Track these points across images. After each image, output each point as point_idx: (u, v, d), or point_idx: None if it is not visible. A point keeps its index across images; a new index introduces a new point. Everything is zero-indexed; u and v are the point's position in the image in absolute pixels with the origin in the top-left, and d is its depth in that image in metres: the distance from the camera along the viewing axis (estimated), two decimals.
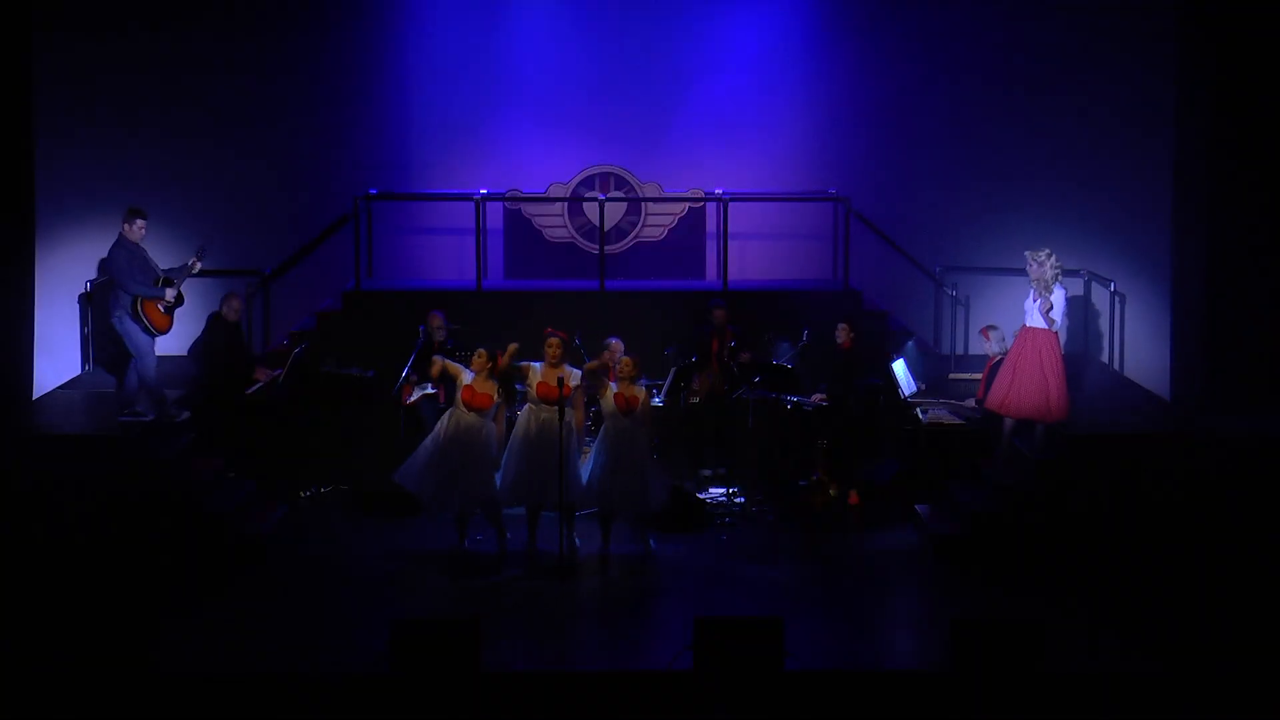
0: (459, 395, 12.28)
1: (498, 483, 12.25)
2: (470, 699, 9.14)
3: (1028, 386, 12.83)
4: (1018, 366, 12.92)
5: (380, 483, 13.87)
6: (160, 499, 12.00)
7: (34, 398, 13.37)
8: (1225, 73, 13.27)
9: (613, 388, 12.34)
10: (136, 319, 12.84)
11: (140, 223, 12.99)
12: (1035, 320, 12.93)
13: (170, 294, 12.91)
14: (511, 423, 12.49)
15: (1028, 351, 12.89)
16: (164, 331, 13.00)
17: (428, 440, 12.37)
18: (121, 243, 12.92)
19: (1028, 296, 13.04)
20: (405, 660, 9.12)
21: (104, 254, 12.91)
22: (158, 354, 13.09)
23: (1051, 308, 12.82)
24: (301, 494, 13.92)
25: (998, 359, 13.53)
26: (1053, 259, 12.88)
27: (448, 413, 12.37)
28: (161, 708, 9.38)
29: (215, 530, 12.14)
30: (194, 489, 12.48)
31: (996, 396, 13.05)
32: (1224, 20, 13.27)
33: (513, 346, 12.27)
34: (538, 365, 12.27)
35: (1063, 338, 13.16)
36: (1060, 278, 12.94)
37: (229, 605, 11.23)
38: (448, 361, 12.58)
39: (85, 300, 14.50)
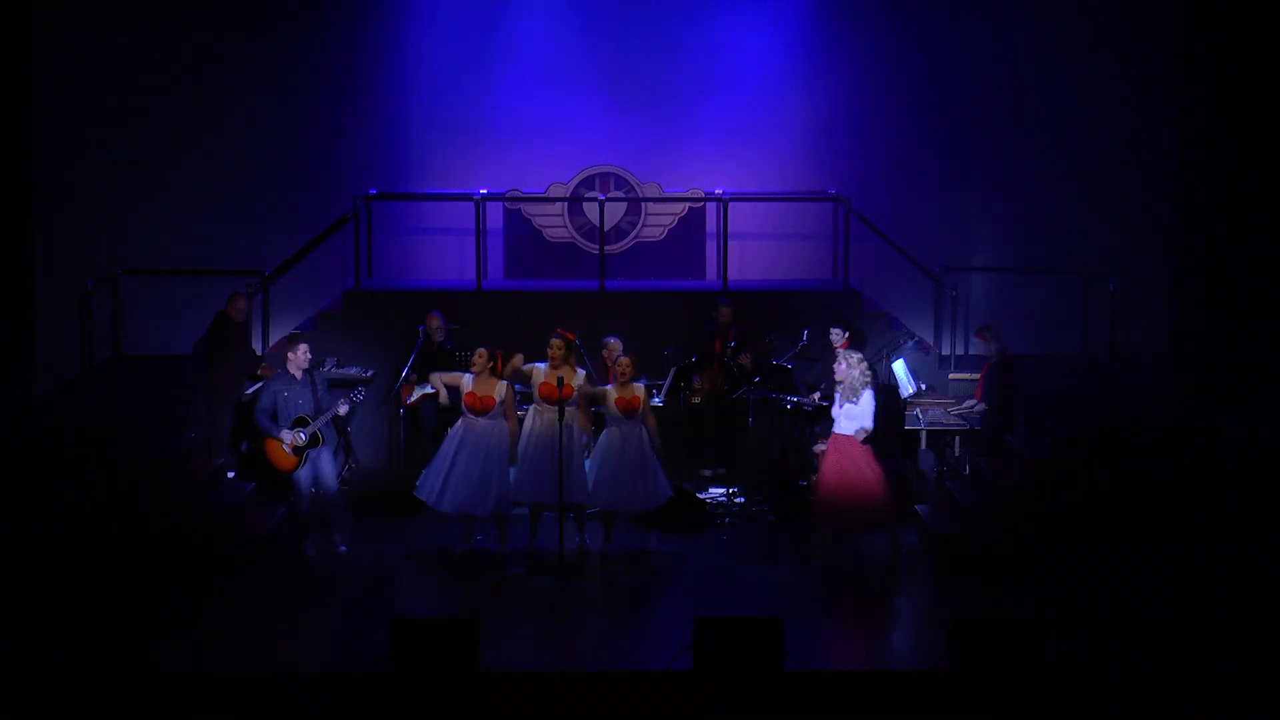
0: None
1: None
2: (470, 699, 9.14)
3: (847, 494, 12.22)
4: (840, 477, 12.25)
5: (380, 482, 13.91)
6: (160, 499, 12.00)
7: (34, 398, 13.37)
8: (1227, 74, 13.29)
9: (610, 390, 12.37)
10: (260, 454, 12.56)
11: (303, 348, 12.42)
12: (842, 426, 12.29)
13: (297, 437, 12.25)
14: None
15: (843, 460, 12.24)
16: (287, 471, 12.38)
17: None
18: (281, 376, 12.42)
19: (834, 402, 12.43)
20: (405, 660, 9.11)
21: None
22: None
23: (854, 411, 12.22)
24: None
25: (995, 360, 13.52)
26: (864, 364, 12.29)
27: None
28: (161, 708, 9.37)
29: (215, 530, 12.14)
30: (194, 489, 12.48)
31: (824, 504, 12.39)
32: (1226, 20, 13.29)
33: (516, 359, 12.28)
34: (542, 366, 12.29)
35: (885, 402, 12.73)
36: (870, 383, 12.28)
37: (229, 605, 11.22)
38: (443, 375, 12.59)
39: (85, 300, 14.49)
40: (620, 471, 12.29)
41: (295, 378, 12.38)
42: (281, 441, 12.26)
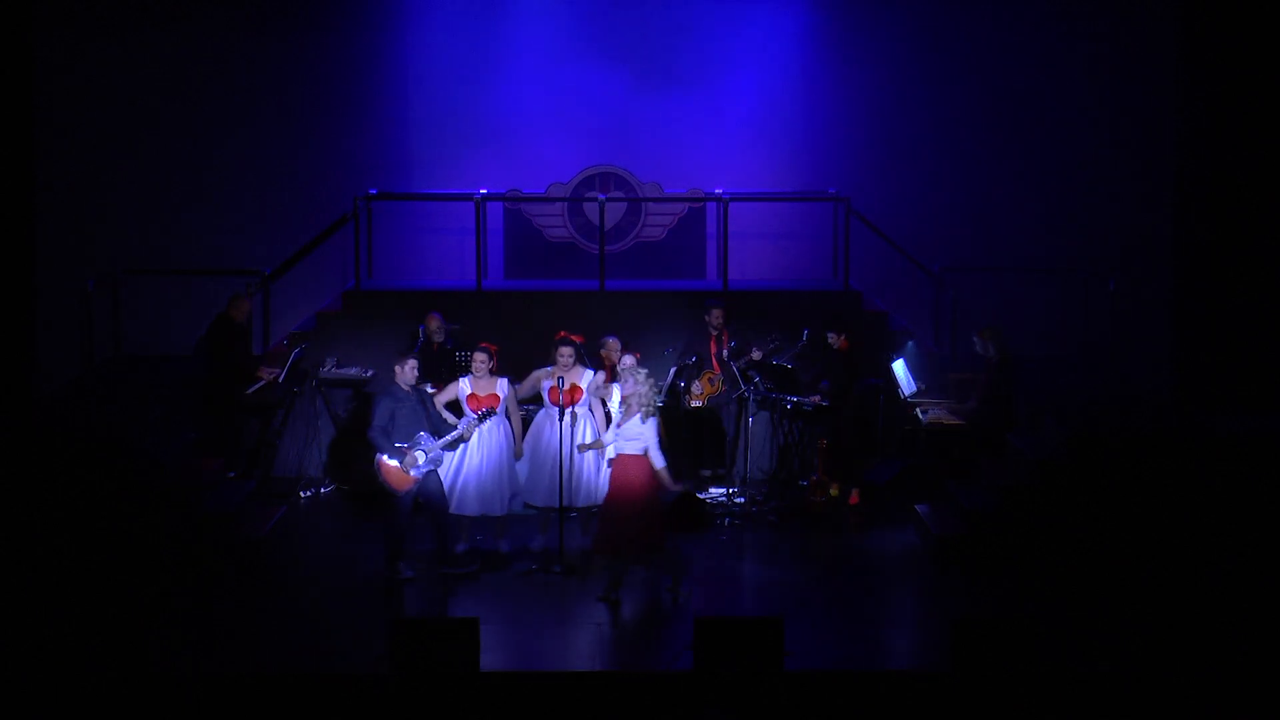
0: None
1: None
2: (470, 699, 9.14)
3: (623, 521, 11.30)
4: (614, 497, 11.39)
5: (379, 482, 13.89)
6: (160, 499, 12.00)
7: (34, 397, 13.37)
8: (1227, 74, 13.28)
9: (615, 388, 12.39)
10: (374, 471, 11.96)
11: (411, 364, 11.88)
12: (624, 445, 11.38)
13: (415, 458, 11.74)
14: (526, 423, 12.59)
15: (620, 480, 11.36)
16: (401, 490, 11.75)
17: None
18: (391, 392, 11.90)
19: (615, 420, 11.69)
20: (405, 660, 9.12)
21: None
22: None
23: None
24: (301, 494, 13.93)
25: (995, 360, 13.52)
26: (651, 382, 11.39)
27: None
28: (161, 708, 9.38)
29: (215, 530, 12.14)
30: (194, 489, 12.48)
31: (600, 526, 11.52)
32: (1226, 19, 13.28)
33: (537, 376, 12.44)
34: (547, 371, 12.30)
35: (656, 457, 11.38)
36: (654, 406, 11.34)
37: (229, 605, 11.23)
38: (440, 396, 12.49)
39: (85, 300, 14.50)
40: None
41: (408, 394, 11.91)
42: (403, 466, 11.73)
